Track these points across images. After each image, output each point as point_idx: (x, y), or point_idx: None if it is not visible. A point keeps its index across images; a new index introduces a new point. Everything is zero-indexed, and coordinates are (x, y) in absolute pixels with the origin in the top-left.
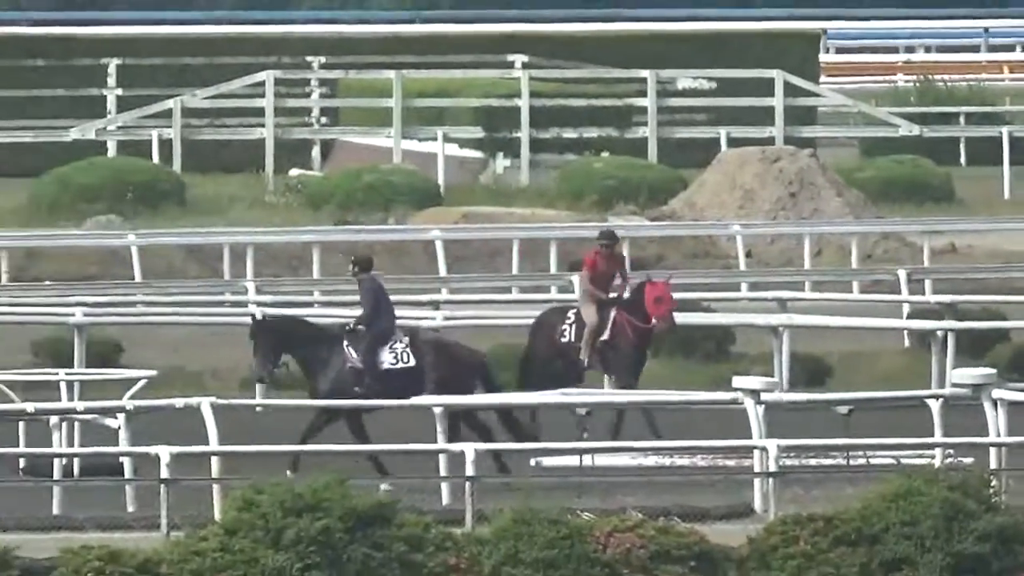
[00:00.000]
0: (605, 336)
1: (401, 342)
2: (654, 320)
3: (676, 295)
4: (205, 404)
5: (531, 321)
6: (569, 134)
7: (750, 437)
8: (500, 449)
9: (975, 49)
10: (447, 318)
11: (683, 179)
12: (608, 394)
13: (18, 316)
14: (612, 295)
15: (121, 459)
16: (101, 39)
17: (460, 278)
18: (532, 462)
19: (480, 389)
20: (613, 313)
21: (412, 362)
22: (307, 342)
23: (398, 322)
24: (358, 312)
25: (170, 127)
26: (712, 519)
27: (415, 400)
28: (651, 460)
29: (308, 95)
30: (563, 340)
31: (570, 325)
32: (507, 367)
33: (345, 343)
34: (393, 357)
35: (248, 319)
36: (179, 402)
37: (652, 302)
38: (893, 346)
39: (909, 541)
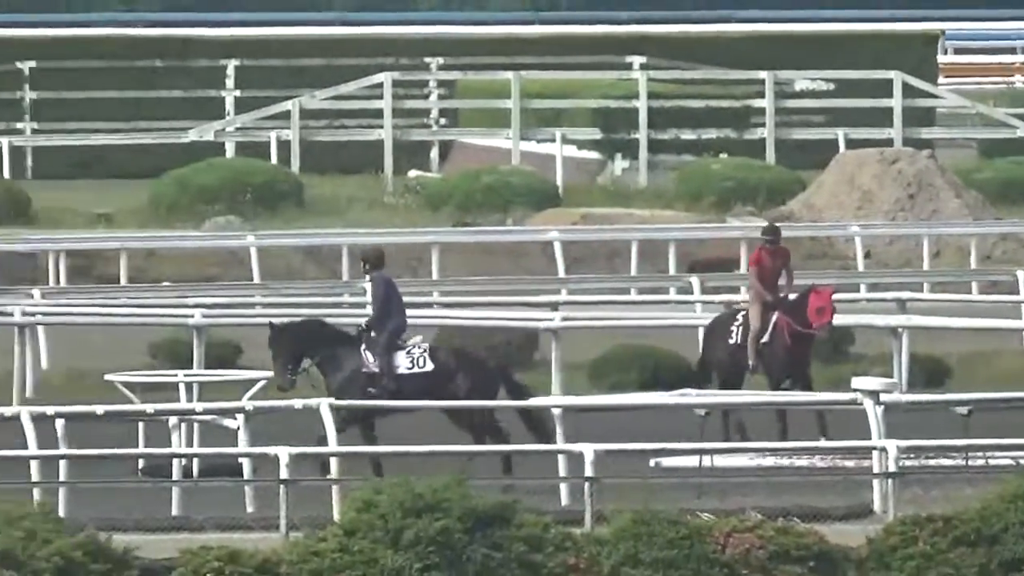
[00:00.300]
0: (765, 338)
1: (419, 347)
2: (814, 327)
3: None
4: (324, 405)
5: (653, 322)
6: (687, 135)
7: (869, 438)
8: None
9: None
10: (565, 319)
11: (801, 180)
12: (725, 395)
13: (137, 317)
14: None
15: (240, 460)
16: (219, 40)
17: (578, 279)
18: (652, 463)
19: (507, 395)
20: (775, 316)
21: (429, 367)
22: (324, 345)
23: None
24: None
25: (288, 128)
26: (831, 520)
27: (537, 401)
28: (770, 461)
29: (426, 96)
30: (731, 342)
31: (738, 328)
32: (626, 369)
33: (362, 346)
34: (410, 361)
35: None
36: (298, 403)
37: (814, 311)
38: (1012, 347)
39: None
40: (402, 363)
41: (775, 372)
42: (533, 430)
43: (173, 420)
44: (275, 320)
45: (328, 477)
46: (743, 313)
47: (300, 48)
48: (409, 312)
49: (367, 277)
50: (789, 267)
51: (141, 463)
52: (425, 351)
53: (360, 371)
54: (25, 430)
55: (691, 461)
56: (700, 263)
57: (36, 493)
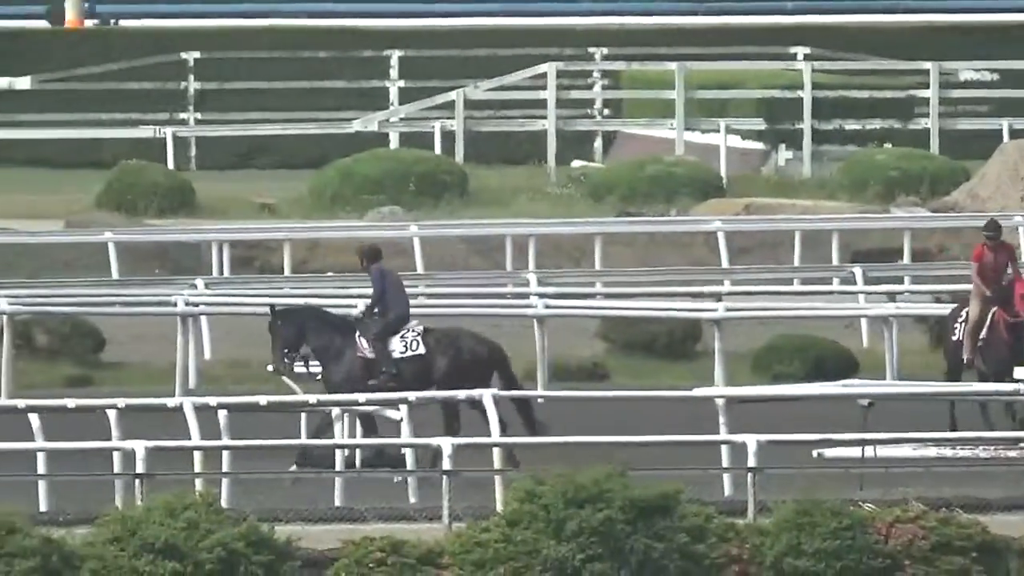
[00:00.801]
0: (983, 333)
1: (413, 331)
2: (1021, 314)
3: (958, 287)
4: (486, 395)
5: (815, 313)
6: (851, 125)
7: None
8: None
9: None
10: (728, 309)
11: (965, 170)
12: (889, 385)
13: None
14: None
15: (403, 450)
16: (384, 30)
17: (742, 269)
18: (814, 453)
19: (499, 382)
20: (993, 310)
21: (421, 350)
22: (322, 332)
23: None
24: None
25: (452, 118)
26: (994, 510)
27: (700, 392)
28: (932, 451)
29: (590, 87)
30: (953, 338)
31: (961, 324)
32: (788, 359)
33: (357, 333)
34: (403, 345)
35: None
36: (461, 394)
37: (1020, 297)
38: None
39: None
40: (396, 347)
41: (993, 366)
42: (526, 420)
43: (336, 411)
44: (276, 305)
45: (490, 467)
46: (967, 308)
47: (464, 38)
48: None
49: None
50: (1014, 262)
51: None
52: (418, 335)
53: (356, 357)
54: (188, 420)
55: (854, 452)
56: (864, 253)
57: (198, 484)
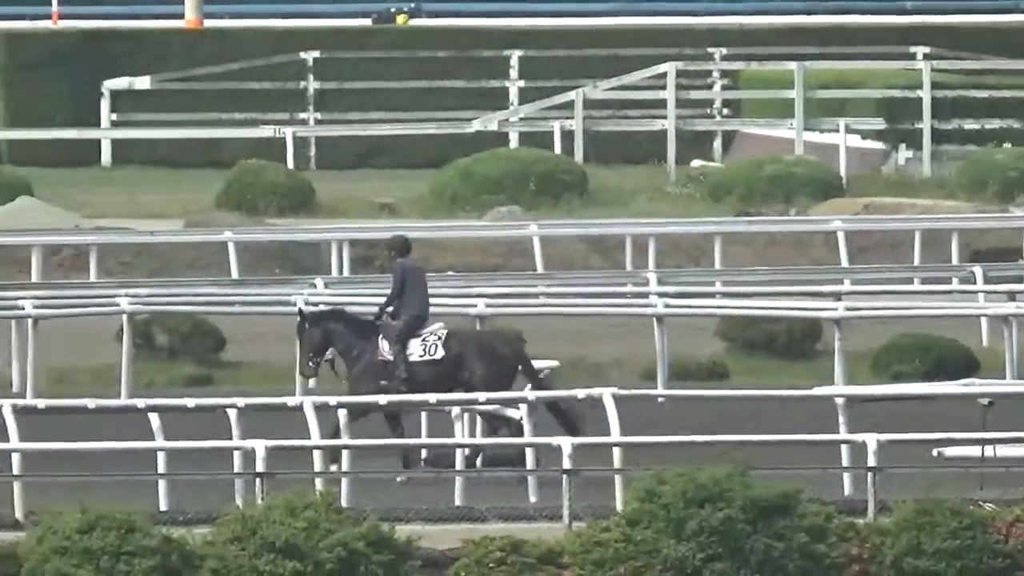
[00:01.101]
0: None
1: (434, 334)
2: None
3: None
4: (607, 395)
5: (936, 312)
6: (971, 125)
7: None
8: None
9: None
10: (848, 309)
11: None
12: (1009, 384)
13: None
14: None
15: (523, 450)
16: (504, 30)
17: (861, 269)
18: (934, 452)
19: (524, 382)
20: None
21: (439, 355)
22: (345, 335)
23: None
24: None
25: (572, 118)
26: None
27: (821, 391)
28: None
29: (710, 86)
30: None
31: None
32: (908, 358)
33: (380, 335)
34: (422, 349)
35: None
36: (581, 393)
37: None
38: None
39: None
40: (415, 351)
41: None
42: (564, 423)
43: (456, 410)
44: (303, 308)
45: (611, 467)
46: None
47: (584, 38)
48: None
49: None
50: None
51: (425, 453)
52: (439, 339)
53: (376, 360)
54: (308, 419)
55: (974, 451)
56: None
57: (319, 483)
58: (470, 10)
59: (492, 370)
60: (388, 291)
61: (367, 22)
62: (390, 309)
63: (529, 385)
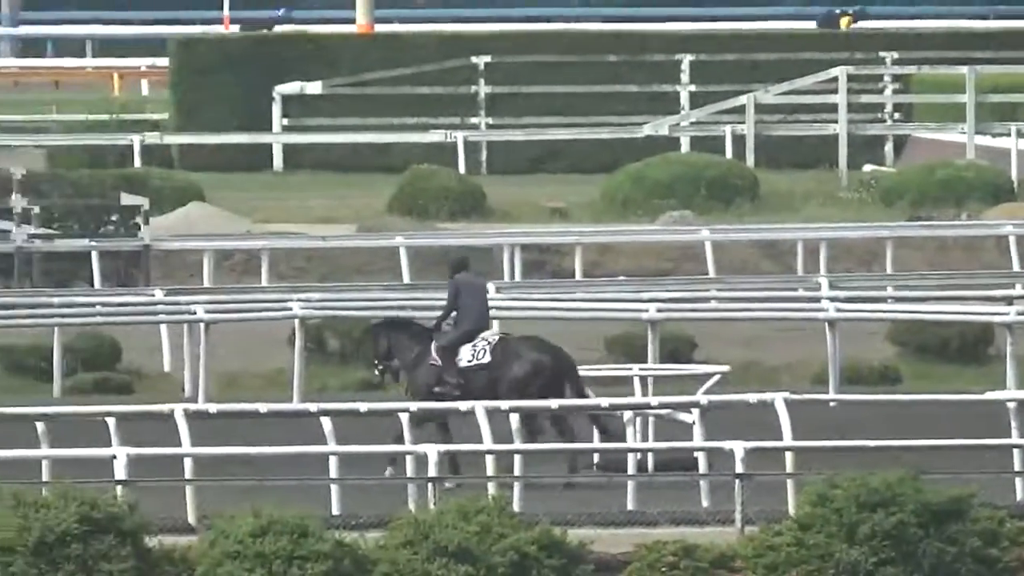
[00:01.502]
0: None
1: (485, 340)
2: None
3: None
4: (779, 399)
5: None
6: None
7: None
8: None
9: None
10: (1020, 313)
11: None
12: None
13: (592, 312)
14: None
15: (695, 454)
16: (675, 35)
17: None
18: None
19: (568, 391)
20: None
21: (487, 359)
22: (404, 343)
23: None
24: None
25: (743, 123)
26: None
27: (992, 395)
28: None
29: (881, 91)
30: None
31: None
32: None
33: (433, 343)
34: (471, 355)
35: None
36: (752, 397)
37: None
38: None
39: None
40: (464, 356)
41: None
42: (602, 431)
43: (628, 414)
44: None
45: (783, 471)
46: None
47: (755, 43)
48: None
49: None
50: None
51: (596, 457)
52: (488, 344)
53: (429, 366)
54: (480, 424)
55: None
56: None
57: (491, 488)
58: (911, 12)
59: (531, 375)
60: (558, 294)
61: (540, 26)
62: (447, 325)
63: (570, 394)
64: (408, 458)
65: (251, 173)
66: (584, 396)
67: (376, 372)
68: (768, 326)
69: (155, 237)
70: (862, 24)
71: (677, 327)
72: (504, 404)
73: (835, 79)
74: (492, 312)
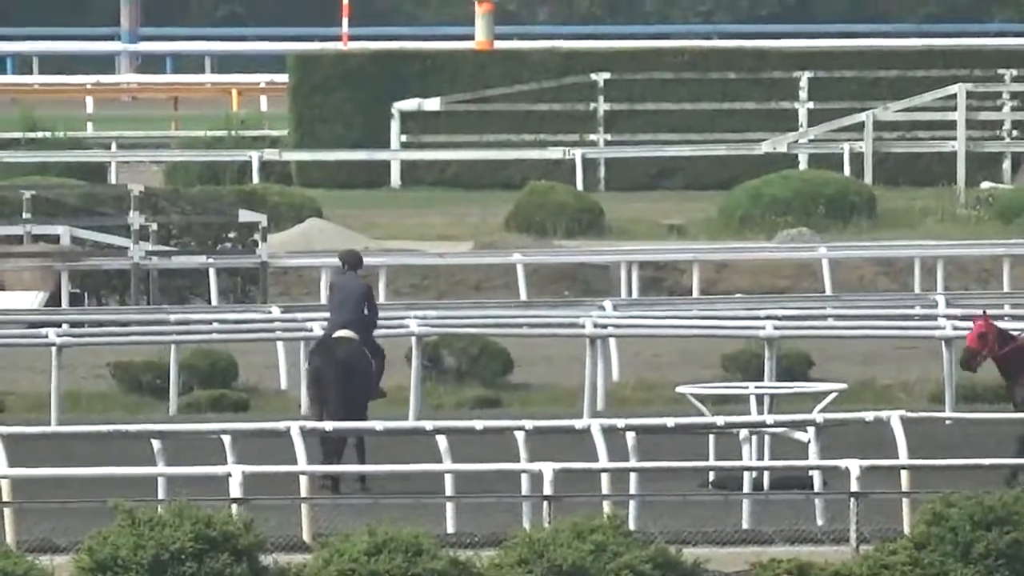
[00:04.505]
0: None
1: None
2: None
3: None
4: (895, 417)
5: None
6: None
7: None
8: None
9: None
10: None
11: None
12: None
13: (709, 329)
14: None
15: (810, 472)
16: (793, 52)
17: None
18: None
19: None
20: None
21: None
22: None
23: None
24: None
25: (861, 140)
26: None
27: None
28: None
29: (999, 108)
30: None
31: None
32: None
33: None
34: None
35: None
36: (868, 415)
37: None
38: None
39: None
40: None
41: None
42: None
43: (744, 432)
44: None
45: (898, 489)
46: None
47: (873, 60)
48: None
49: None
50: None
51: (711, 475)
52: None
53: None
54: (595, 442)
55: None
56: None
57: (606, 506)
58: None
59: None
60: (674, 312)
61: (658, 43)
62: None
63: None
64: (523, 476)
65: (369, 190)
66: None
67: None
68: (885, 344)
69: (273, 254)
70: (981, 41)
71: (793, 345)
72: (620, 422)
73: (954, 96)
74: (608, 331)
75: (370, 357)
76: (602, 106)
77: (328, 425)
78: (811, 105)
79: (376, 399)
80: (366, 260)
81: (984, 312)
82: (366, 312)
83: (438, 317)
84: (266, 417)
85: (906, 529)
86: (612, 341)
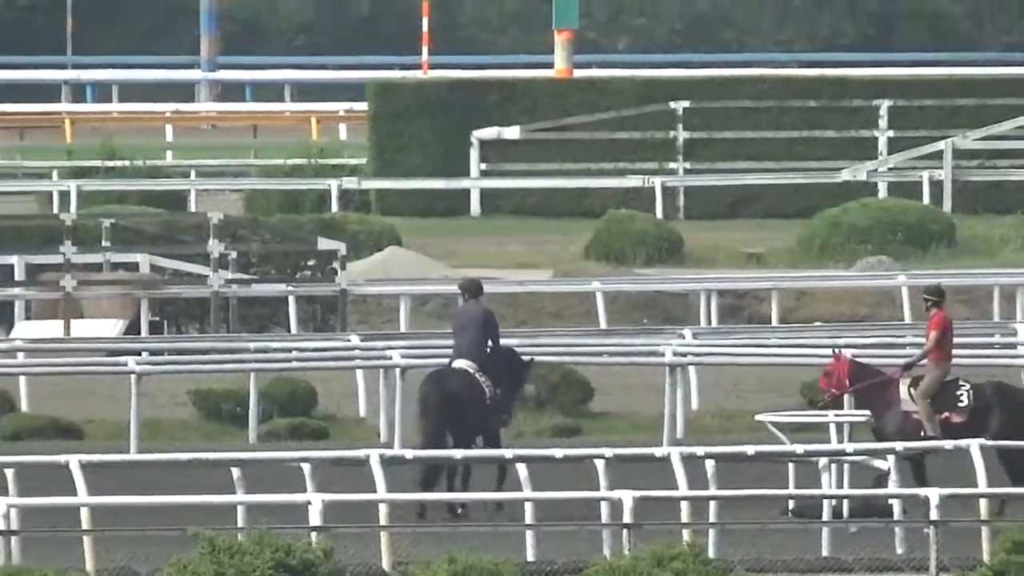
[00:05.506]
0: None
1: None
2: None
3: None
4: (974, 445)
5: None
6: None
7: None
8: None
9: None
10: None
11: None
12: None
13: (789, 357)
14: None
15: (890, 501)
16: (873, 80)
17: None
18: None
19: None
20: None
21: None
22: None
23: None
24: None
25: (941, 168)
26: None
27: None
28: None
29: None
30: None
31: None
32: None
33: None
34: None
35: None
36: (948, 444)
37: None
38: None
39: None
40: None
41: None
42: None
43: (823, 461)
44: None
45: (978, 518)
46: None
47: (953, 88)
48: None
49: None
50: None
51: (791, 503)
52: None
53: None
54: (675, 470)
55: None
56: None
57: (686, 534)
58: None
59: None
60: (754, 340)
61: (737, 72)
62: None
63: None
64: (603, 504)
65: (448, 218)
66: None
67: None
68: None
69: (352, 282)
70: None
71: None
72: (700, 450)
73: None
74: (688, 359)
75: (484, 386)
76: (681, 134)
77: (408, 453)
78: (891, 133)
79: (504, 426)
80: (444, 288)
81: (835, 350)
82: (487, 338)
83: (518, 346)
84: (345, 445)
85: (986, 558)
86: (692, 369)
